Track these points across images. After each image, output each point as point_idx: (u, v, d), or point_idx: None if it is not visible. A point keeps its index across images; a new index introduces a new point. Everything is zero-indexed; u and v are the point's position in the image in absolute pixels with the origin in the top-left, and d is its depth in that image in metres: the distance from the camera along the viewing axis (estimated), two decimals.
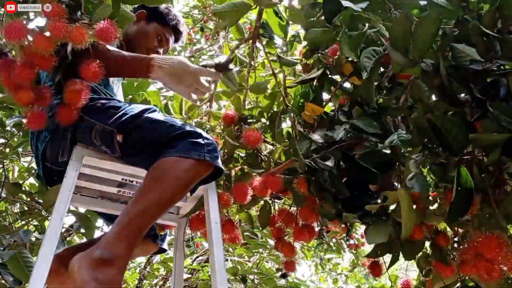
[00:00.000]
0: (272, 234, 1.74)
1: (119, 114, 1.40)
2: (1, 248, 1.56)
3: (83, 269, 1.11)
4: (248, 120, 1.81)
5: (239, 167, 1.75)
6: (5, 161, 2.18)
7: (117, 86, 1.75)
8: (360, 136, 1.34)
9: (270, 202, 1.76)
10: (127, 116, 1.39)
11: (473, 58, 0.93)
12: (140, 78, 1.66)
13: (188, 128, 1.37)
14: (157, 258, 4.06)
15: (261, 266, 3.65)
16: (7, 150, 2.18)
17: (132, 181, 1.58)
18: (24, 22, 1.23)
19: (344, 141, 1.36)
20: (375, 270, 1.54)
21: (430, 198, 1.29)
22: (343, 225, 1.66)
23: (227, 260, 3.72)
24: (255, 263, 3.76)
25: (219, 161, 1.35)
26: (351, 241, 4.05)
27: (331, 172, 1.33)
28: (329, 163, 1.30)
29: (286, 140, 1.79)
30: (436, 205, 1.34)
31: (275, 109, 1.87)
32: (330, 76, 1.76)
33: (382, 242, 1.25)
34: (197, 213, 1.67)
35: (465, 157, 1.01)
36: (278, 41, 2.00)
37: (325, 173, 1.34)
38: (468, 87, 0.93)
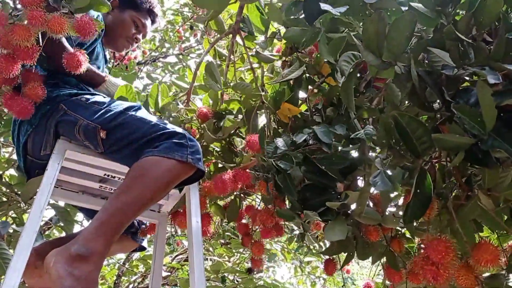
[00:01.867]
0: (237, 228, 1.76)
1: (103, 110, 1.40)
2: None
3: (59, 264, 1.11)
4: (226, 116, 1.82)
5: (214, 160, 1.76)
6: None
7: None
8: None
9: (239, 197, 1.78)
10: (112, 112, 1.39)
11: (446, 63, 0.95)
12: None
13: (172, 128, 1.37)
14: (137, 255, 4.04)
15: (241, 266, 3.66)
16: None
17: (114, 177, 1.58)
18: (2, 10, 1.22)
19: (308, 144, 1.39)
20: (329, 267, 1.57)
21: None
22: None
23: (206, 259, 3.72)
24: (235, 263, 3.77)
25: (201, 163, 1.35)
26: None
27: (286, 173, 1.35)
28: (282, 164, 1.32)
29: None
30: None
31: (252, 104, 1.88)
32: (308, 75, 1.80)
33: (338, 241, 1.27)
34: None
35: (430, 161, 1.03)
36: (258, 36, 2.03)
37: (281, 174, 1.37)
38: (439, 92, 0.95)
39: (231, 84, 1.93)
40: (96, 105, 1.43)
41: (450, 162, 1.00)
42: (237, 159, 1.74)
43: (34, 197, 1.35)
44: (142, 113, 1.43)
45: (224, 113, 1.83)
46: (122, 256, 4.36)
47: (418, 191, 0.96)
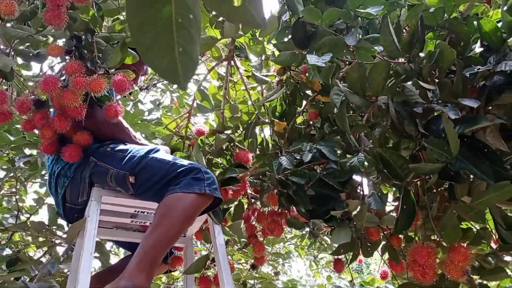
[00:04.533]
0: (246, 230, 1.97)
1: (128, 156, 1.60)
2: (29, 279, 1.75)
3: None
4: (225, 132, 2.06)
5: (220, 170, 1.98)
6: (16, 195, 2.36)
7: None
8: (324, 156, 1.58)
9: (248, 201, 2.01)
10: (136, 158, 1.59)
11: (417, 100, 1.16)
12: None
13: (189, 165, 1.57)
14: None
15: (259, 270, 3.87)
16: (18, 185, 2.38)
17: (143, 212, 1.78)
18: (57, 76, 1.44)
19: (311, 161, 1.59)
20: (338, 266, 1.80)
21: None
22: None
23: None
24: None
25: (218, 192, 1.56)
26: None
27: (300, 186, 1.56)
28: (296, 179, 1.53)
29: (259, 146, 2.05)
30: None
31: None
32: (301, 92, 2.01)
33: (345, 242, 1.48)
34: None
35: (412, 181, 1.24)
36: (254, 59, 2.24)
37: (293, 187, 1.57)
38: (414, 123, 1.16)
39: (232, 103, 2.16)
40: (120, 152, 1.63)
41: (427, 180, 1.21)
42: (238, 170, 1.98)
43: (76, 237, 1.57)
44: (160, 154, 1.63)
45: (220, 130, 2.06)
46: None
47: (404, 207, 1.17)
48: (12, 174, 2.38)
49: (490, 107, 1.24)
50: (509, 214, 1.46)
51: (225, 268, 1.56)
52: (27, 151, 2.28)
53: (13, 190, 2.40)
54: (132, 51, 1.64)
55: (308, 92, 2.06)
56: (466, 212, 1.23)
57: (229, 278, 1.54)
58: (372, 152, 1.17)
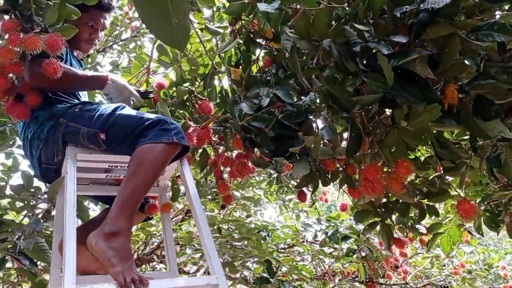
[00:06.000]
0: (214, 174, 2.14)
1: (97, 115, 1.70)
2: (16, 238, 1.86)
3: (100, 241, 1.47)
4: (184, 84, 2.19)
5: (183, 121, 2.11)
6: None
7: None
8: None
9: (213, 148, 2.17)
10: (104, 116, 1.69)
11: (356, 40, 1.30)
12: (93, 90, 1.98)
13: (155, 117, 1.69)
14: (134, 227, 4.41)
15: (231, 216, 4.09)
16: None
17: (117, 166, 1.90)
18: None
19: (269, 105, 1.74)
20: (301, 196, 2.01)
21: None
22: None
23: None
24: (227, 214, 4.19)
25: (185, 140, 1.68)
26: None
27: (261, 130, 1.71)
28: (258, 124, 1.67)
29: (219, 95, 2.19)
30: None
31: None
32: (254, 39, 2.12)
33: (306, 175, 1.66)
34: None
35: (359, 111, 1.41)
36: (207, 12, 2.33)
37: (255, 131, 1.73)
38: (355, 61, 1.31)
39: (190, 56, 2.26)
40: (88, 112, 1.73)
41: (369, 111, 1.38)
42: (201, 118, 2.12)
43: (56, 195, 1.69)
44: (127, 110, 1.74)
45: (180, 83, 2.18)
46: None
47: (353, 134, 1.34)
48: None
49: (419, 41, 1.41)
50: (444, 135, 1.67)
51: (200, 214, 1.70)
52: None
53: None
54: (74, 8, 1.63)
55: (261, 40, 2.17)
56: (405, 134, 1.42)
57: (206, 224, 1.68)
58: (321, 90, 1.32)
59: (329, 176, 1.91)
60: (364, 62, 1.37)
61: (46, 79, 1.58)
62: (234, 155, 2.09)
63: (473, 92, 1.45)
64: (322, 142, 1.74)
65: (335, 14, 1.47)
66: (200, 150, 2.15)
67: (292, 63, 1.60)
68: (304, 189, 2.18)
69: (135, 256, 4.21)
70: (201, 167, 2.13)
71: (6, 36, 1.53)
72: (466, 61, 1.37)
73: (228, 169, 2.15)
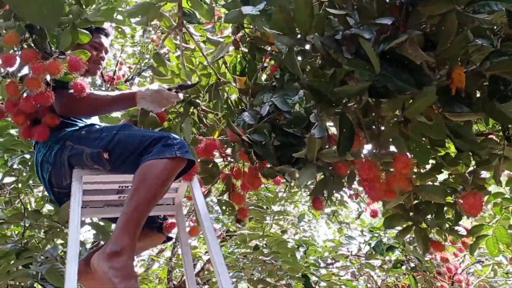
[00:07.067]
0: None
1: (101, 136, 1.71)
2: (38, 265, 1.89)
3: (101, 262, 1.44)
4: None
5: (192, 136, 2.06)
6: (20, 195, 2.50)
7: None
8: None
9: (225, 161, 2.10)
10: (108, 136, 1.70)
11: (339, 28, 1.21)
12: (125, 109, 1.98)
13: (157, 134, 1.67)
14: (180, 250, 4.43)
15: (268, 232, 3.99)
16: (19, 185, 2.51)
17: (128, 186, 1.89)
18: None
19: (271, 113, 1.66)
20: (317, 204, 1.89)
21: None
22: None
23: (231, 237, 4.08)
24: (267, 230, 4.10)
25: (189, 153, 1.65)
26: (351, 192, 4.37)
27: (262, 143, 1.63)
28: (258, 137, 1.60)
29: (225, 106, 2.13)
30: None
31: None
32: (258, 46, 2.06)
33: (319, 181, 1.55)
34: None
35: (349, 104, 1.30)
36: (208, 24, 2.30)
37: (258, 145, 1.65)
38: (340, 50, 1.21)
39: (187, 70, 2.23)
40: (93, 133, 1.75)
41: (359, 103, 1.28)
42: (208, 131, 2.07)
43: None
44: (131, 129, 1.74)
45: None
46: (168, 253, 4.79)
47: (344, 130, 1.24)
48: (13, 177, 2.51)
49: (417, 24, 1.30)
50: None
51: (209, 231, 1.66)
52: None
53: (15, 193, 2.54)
54: (85, 31, 1.69)
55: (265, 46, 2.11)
56: (414, 127, 1.30)
57: (215, 240, 1.63)
58: (304, 86, 1.24)
59: (344, 181, 1.80)
60: (355, 51, 1.27)
61: (78, 108, 1.69)
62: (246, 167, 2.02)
63: (488, 74, 1.31)
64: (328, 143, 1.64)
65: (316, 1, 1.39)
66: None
67: (290, 63, 1.53)
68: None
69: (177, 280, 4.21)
70: (208, 181, 2.07)
71: (26, 67, 1.58)
72: (478, 41, 1.24)
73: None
